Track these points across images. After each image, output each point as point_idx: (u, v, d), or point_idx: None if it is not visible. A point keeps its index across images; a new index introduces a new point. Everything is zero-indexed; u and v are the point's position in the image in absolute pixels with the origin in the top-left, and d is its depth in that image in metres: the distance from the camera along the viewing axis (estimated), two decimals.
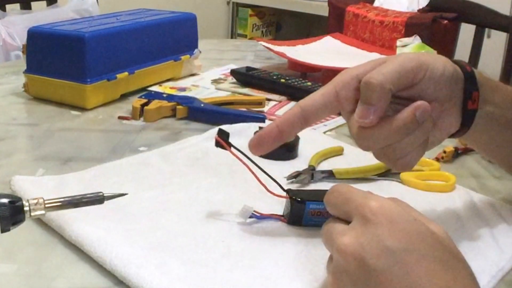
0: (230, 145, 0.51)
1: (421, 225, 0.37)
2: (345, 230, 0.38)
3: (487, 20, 1.37)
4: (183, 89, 0.93)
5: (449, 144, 0.72)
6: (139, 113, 0.79)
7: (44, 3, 1.67)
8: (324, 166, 0.64)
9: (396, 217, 0.36)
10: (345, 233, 0.37)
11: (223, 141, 0.51)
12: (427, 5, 1.20)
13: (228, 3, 2.86)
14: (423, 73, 0.44)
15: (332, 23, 1.26)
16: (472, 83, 0.47)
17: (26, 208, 0.40)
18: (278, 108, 0.85)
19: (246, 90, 0.93)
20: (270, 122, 0.76)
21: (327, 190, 0.42)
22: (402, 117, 0.43)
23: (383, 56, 1.15)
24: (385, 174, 0.62)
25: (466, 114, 0.47)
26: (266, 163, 0.52)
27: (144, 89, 0.91)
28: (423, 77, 0.44)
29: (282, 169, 0.60)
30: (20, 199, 0.40)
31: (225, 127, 0.68)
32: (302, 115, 0.46)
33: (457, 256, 0.36)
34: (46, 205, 0.41)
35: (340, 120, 0.82)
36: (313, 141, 0.71)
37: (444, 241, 0.37)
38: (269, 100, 0.89)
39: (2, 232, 0.39)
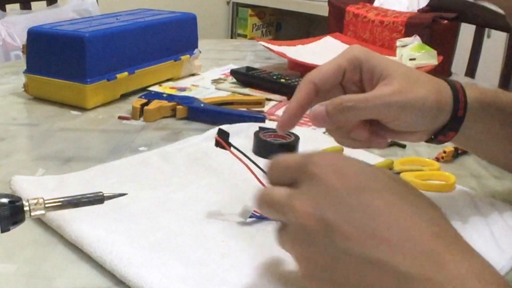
0: (230, 145, 0.51)
1: (369, 166, 0.37)
2: (295, 194, 0.36)
3: (487, 20, 1.37)
4: (183, 89, 0.93)
5: (449, 144, 0.72)
6: (139, 113, 0.79)
7: (44, 3, 1.67)
8: None
9: (341, 164, 0.36)
10: (295, 197, 0.36)
11: (223, 141, 0.51)
12: (427, 5, 1.20)
13: (228, 3, 2.85)
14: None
15: (332, 23, 1.26)
16: (455, 123, 0.51)
17: (26, 208, 0.40)
18: (278, 108, 0.85)
19: (246, 90, 0.93)
20: (271, 121, 0.76)
21: None
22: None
23: None
24: None
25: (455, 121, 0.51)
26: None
27: (144, 89, 0.91)
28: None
29: None
30: (20, 199, 0.40)
31: (225, 127, 0.68)
32: (316, 89, 0.50)
33: (413, 189, 0.36)
34: (46, 205, 0.41)
35: None
36: (313, 141, 0.71)
37: (397, 178, 0.37)
38: (269, 100, 0.89)
39: (2, 232, 0.39)
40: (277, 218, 0.38)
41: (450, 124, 0.51)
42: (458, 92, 0.51)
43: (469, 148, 0.57)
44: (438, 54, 1.01)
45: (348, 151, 0.69)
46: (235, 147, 0.51)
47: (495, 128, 0.53)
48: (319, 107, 0.48)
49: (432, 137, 0.53)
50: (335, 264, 0.34)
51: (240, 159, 0.50)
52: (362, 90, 0.51)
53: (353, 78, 0.51)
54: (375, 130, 0.51)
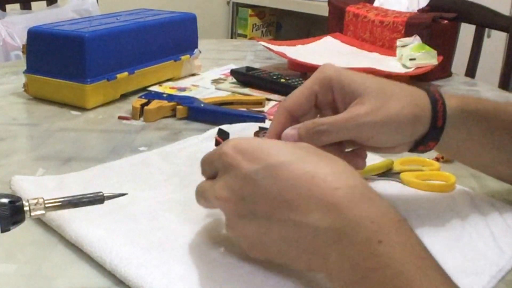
0: None
1: (267, 140, 0.43)
2: (215, 183, 0.42)
3: (487, 20, 1.37)
4: (183, 89, 0.93)
5: None
6: (139, 113, 0.79)
7: (44, 3, 1.67)
8: None
9: (246, 147, 0.40)
10: (215, 186, 0.41)
11: (223, 141, 0.51)
12: (427, 5, 1.20)
13: (228, 3, 2.86)
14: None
15: (332, 23, 1.26)
16: (435, 133, 0.50)
17: (26, 208, 0.40)
18: None
19: (246, 90, 0.93)
20: (271, 121, 0.76)
21: None
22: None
23: (382, 56, 1.14)
24: (385, 174, 0.62)
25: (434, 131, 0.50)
26: None
27: (144, 89, 0.91)
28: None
29: None
30: (20, 199, 0.40)
31: (225, 127, 0.68)
32: (291, 117, 0.50)
33: (314, 150, 0.41)
34: (46, 205, 0.41)
35: None
36: None
37: (299, 145, 0.42)
38: (269, 100, 0.89)
39: (2, 232, 0.39)
40: (212, 208, 0.44)
41: (430, 134, 0.50)
42: (437, 102, 0.50)
43: (455, 157, 0.57)
44: (438, 54, 1.01)
45: None
46: None
47: (478, 136, 0.52)
48: (291, 131, 0.48)
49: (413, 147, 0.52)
50: (263, 235, 0.39)
51: None
52: (337, 110, 0.50)
53: (326, 99, 0.50)
54: (351, 152, 0.51)
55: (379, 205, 0.37)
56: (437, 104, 0.49)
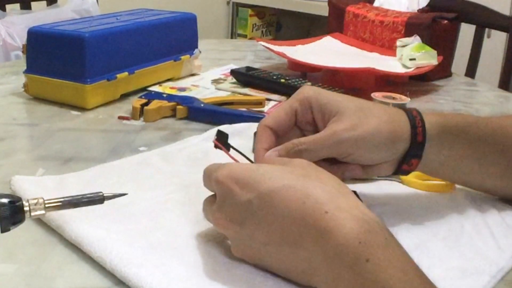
0: (229, 146, 0.51)
1: (261, 166, 0.43)
2: (214, 211, 0.43)
3: (487, 20, 1.37)
4: (183, 89, 0.93)
5: None
6: (139, 113, 0.79)
7: (44, 3, 1.67)
8: None
9: (240, 174, 0.42)
10: (214, 214, 0.43)
11: (222, 143, 0.51)
12: (427, 5, 1.20)
13: (228, 3, 2.86)
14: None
15: (332, 23, 1.26)
16: (416, 150, 0.50)
17: (26, 208, 0.40)
18: None
19: (246, 90, 0.93)
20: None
21: None
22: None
23: (382, 56, 1.14)
24: None
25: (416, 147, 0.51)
26: None
27: (144, 89, 0.91)
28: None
29: None
30: (20, 199, 0.40)
31: (225, 127, 0.68)
32: (274, 134, 0.51)
33: (308, 170, 0.43)
34: (46, 205, 0.41)
35: None
36: None
37: (289, 161, 0.44)
38: (269, 100, 0.89)
39: (2, 232, 0.39)
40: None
41: (412, 151, 0.50)
42: (414, 118, 0.50)
43: (441, 176, 0.56)
44: (438, 54, 1.01)
45: None
46: (234, 148, 0.52)
47: (461, 150, 0.52)
48: (272, 153, 0.49)
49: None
50: (263, 258, 0.42)
51: (237, 161, 0.50)
52: (317, 130, 0.51)
53: (306, 118, 0.51)
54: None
55: (366, 224, 0.38)
56: (415, 120, 0.50)
